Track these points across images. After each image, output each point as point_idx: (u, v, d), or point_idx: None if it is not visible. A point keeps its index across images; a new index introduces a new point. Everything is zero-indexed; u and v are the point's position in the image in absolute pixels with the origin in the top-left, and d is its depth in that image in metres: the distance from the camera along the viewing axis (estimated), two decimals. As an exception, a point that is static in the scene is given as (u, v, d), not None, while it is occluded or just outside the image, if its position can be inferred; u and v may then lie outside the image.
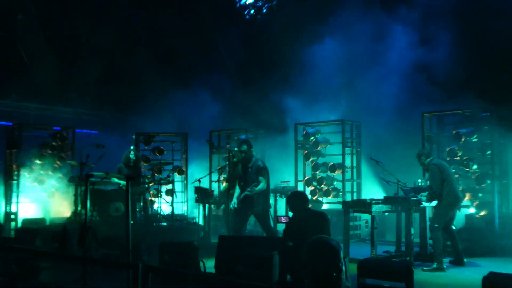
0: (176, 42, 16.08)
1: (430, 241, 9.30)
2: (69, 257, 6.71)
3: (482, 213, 10.37)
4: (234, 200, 9.04)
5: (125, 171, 11.62)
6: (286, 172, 13.50)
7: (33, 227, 10.59)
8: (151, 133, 13.59)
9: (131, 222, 5.68)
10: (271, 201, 11.96)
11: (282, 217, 7.83)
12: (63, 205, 13.31)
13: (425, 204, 9.26)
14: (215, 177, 13.41)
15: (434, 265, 8.49)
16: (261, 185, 8.86)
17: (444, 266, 8.52)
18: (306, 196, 7.43)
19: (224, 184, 11.36)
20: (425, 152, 9.46)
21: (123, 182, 11.73)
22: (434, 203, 9.17)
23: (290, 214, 7.40)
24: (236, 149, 9.33)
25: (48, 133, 13.59)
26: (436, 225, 8.77)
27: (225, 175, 11.65)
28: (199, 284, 6.84)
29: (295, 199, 7.19)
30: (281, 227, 11.65)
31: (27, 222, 11.71)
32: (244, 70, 16.32)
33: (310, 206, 7.60)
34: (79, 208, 11.66)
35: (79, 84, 14.09)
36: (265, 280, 6.33)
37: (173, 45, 16.04)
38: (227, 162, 10.27)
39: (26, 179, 12.92)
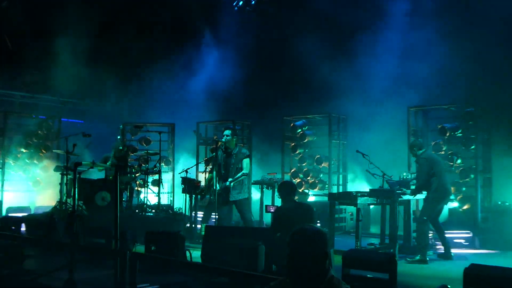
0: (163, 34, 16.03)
1: (414, 234, 9.44)
2: (56, 244, 6.72)
3: (465, 207, 10.52)
4: (217, 187, 9.15)
5: (113, 160, 11.59)
6: (272, 164, 13.58)
7: (18, 215, 10.54)
8: (138, 123, 13.54)
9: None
10: (259, 192, 12.09)
11: (270, 207, 7.91)
12: (49, 194, 13.26)
13: (409, 197, 9.38)
14: (202, 168, 13.43)
15: (418, 257, 8.60)
16: (241, 173, 8.94)
17: (428, 259, 8.65)
18: (296, 187, 7.52)
19: (207, 175, 11.37)
20: (418, 143, 9.54)
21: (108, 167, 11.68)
22: (419, 196, 9.30)
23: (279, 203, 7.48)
24: (219, 141, 9.41)
25: (34, 122, 13.49)
26: (425, 218, 8.88)
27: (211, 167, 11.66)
28: (186, 272, 6.91)
29: (287, 187, 7.29)
30: (267, 217, 11.81)
31: (11, 210, 11.65)
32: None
33: (296, 198, 7.67)
34: (64, 197, 11.62)
35: (64, 72, 13.94)
36: (251, 270, 6.38)
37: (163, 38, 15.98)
38: (214, 153, 10.32)
39: (11, 167, 12.83)
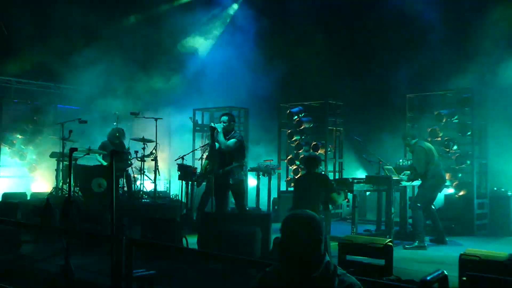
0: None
1: (410, 220, 9.48)
2: (52, 229, 6.71)
3: (461, 193, 10.55)
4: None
5: (110, 147, 11.55)
6: (269, 151, 13.59)
7: (14, 201, 10.52)
8: (134, 111, 13.43)
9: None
10: (255, 178, 12.09)
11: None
12: (44, 180, 13.25)
13: (405, 183, 9.41)
14: (198, 155, 13.42)
15: (416, 243, 8.65)
16: (230, 142, 8.93)
17: (426, 244, 8.70)
18: (314, 159, 8.21)
19: (203, 161, 11.36)
20: (411, 133, 9.57)
21: (104, 163, 11.68)
22: (416, 182, 9.33)
23: None
24: (212, 124, 9.35)
25: (29, 108, 13.43)
26: (419, 204, 8.92)
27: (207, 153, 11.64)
28: (182, 258, 6.93)
29: (306, 160, 8.43)
30: (263, 204, 11.82)
31: (7, 196, 11.62)
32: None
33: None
34: (60, 183, 11.61)
35: (59, 58, 13.82)
36: (247, 256, 6.40)
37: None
38: (210, 141, 10.29)
39: (7, 153, 12.79)
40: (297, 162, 12.97)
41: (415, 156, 9.22)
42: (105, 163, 11.74)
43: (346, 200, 12.35)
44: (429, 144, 9.43)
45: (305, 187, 7.93)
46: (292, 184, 10.70)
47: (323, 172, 10.60)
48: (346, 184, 9.09)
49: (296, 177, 11.55)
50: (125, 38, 14.60)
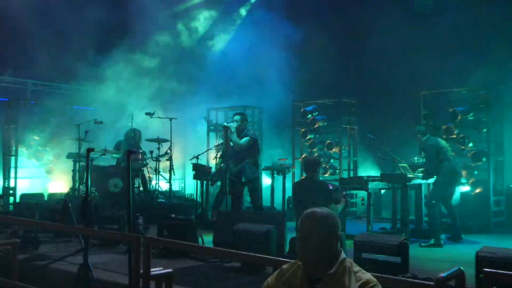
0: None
1: (425, 218, 9.44)
2: (70, 229, 6.79)
3: (477, 191, 10.47)
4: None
5: (125, 145, 11.67)
6: (283, 150, 13.59)
7: (32, 202, 10.66)
8: (149, 112, 13.48)
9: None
10: (270, 177, 12.11)
11: (329, 184, 7.96)
12: (61, 181, 13.38)
13: (420, 181, 9.37)
14: (212, 154, 13.46)
15: (432, 241, 8.62)
16: (243, 140, 8.96)
17: (442, 242, 8.66)
18: (313, 163, 7.64)
19: (217, 160, 11.40)
20: (422, 129, 9.54)
21: (119, 155, 11.76)
22: (431, 180, 9.28)
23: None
24: (225, 123, 9.40)
25: (46, 109, 13.57)
26: (433, 202, 8.89)
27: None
28: (198, 256, 6.98)
29: (304, 163, 7.85)
30: (278, 202, 11.85)
31: (25, 197, 11.77)
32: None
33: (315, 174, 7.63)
34: (77, 184, 11.73)
35: (76, 59, 13.94)
36: (263, 254, 6.43)
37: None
38: (223, 140, 10.33)
39: (24, 154, 12.94)
40: (312, 161, 12.93)
41: (426, 156, 9.20)
42: (119, 155, 11.82)
43: (361, 198, 12.35)
44: (441, 140, 9.37)
45: (303, 193, 7.54)
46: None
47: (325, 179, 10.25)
48: (361, 182, 9.08)
49: (296, 181, 11.06)
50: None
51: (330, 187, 7.58)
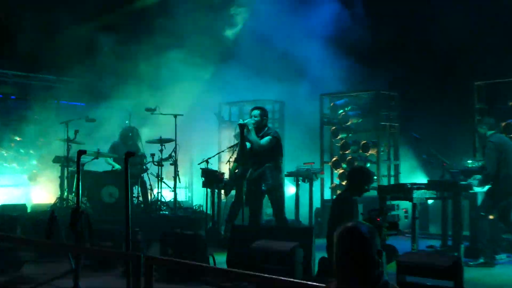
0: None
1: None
2: (58, 246, 6.81)
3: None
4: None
5: (122, 148, 11.71)
6: (310, 152, 13.52)
7: (13, 215, 10.72)
8: (149, 108, 13.54)
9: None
10: (294, 185, 12.07)
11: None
12: (47, 190, 13.47)
13: (476, 189, 9.25)
14: (225, 157, 13.46)
15: (481, 260, 8.55)
16: (264, 140, 8.97)
17: (494, 262, 8.55)
18: (357, 174, 7.63)
19: (231, 165, 11.39)
20: (487, 121, 9.36)
21: (117, 166, 11.85)
22: (487, 187, 9.16)
23: None
24: (241, 120, 9.39)
25: (29, 105, 13.68)
26: (483, 214, 8.79)
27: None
28: (209, 280, 6.96)
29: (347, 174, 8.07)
30: (304, 215, 11.79)
31: (5, 208, 11.86)
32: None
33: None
34: (65, 193, 11.79)
35: (60, 49, 14.02)
36: (287, 276, 6.40)
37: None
38: (239, 141, 10.32)
39: (4, 158, 13.06)
40: (344, 165, 12.89)
41: (486, 153, 9.09)
42: (117, 166, 11.90)
43: (404, 210, 12.23)
44: (506, 139, 9.25)
45: (334, 209, 7.55)
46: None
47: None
48: (403, 191, 8.99)
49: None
50: (139, 23, 14.76)
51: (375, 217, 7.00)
